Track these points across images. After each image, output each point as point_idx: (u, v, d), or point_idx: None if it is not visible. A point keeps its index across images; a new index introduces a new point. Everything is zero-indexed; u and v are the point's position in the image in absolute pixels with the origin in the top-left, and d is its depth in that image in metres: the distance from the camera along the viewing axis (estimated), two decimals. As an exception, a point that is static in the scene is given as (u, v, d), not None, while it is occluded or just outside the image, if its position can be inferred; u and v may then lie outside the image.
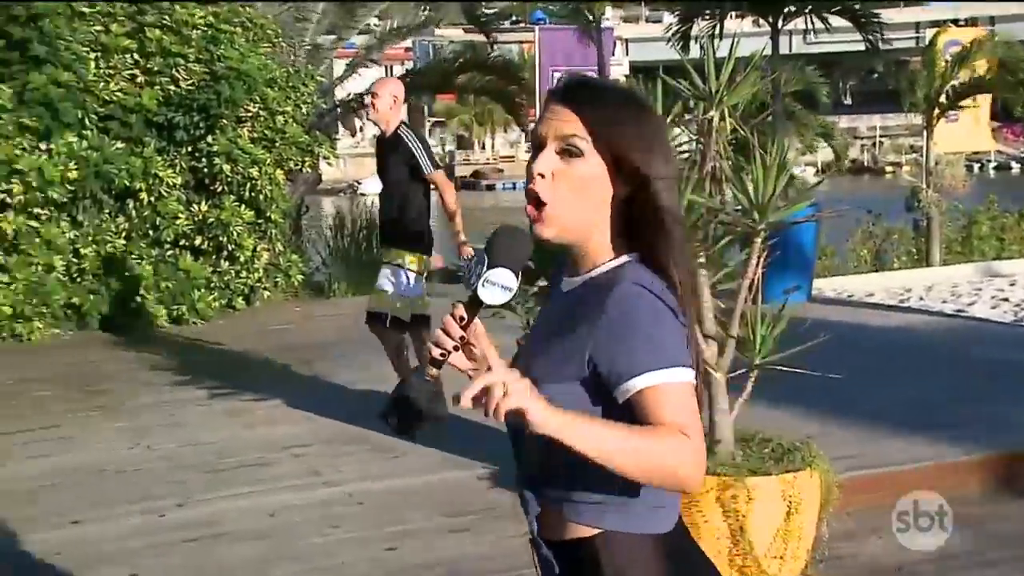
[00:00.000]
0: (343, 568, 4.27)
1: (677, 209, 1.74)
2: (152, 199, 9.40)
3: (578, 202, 1.70)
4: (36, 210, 8.84)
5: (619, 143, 1.68)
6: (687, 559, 1.76)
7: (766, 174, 3.76)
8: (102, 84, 9.35)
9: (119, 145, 9.24)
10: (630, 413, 1.62)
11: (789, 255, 6.68)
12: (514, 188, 38.81)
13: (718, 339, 3.91)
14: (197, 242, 9.59)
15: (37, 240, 8.82)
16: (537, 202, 1.70)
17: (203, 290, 9.52)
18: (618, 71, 32.19)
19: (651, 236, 1.69)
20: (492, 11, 18.28)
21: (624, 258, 1.72)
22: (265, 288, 10.19)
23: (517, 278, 1.65)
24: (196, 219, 9.60)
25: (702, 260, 3.84)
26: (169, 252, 9.53)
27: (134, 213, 9.45)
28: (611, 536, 1.71)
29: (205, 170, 9.63)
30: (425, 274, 5.92)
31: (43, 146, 8.88)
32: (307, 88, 10.82)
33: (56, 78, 8.85)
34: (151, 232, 9.51)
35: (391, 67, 30.77)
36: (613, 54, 26.78)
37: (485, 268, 1.65)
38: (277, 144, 10.13)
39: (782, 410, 5.21)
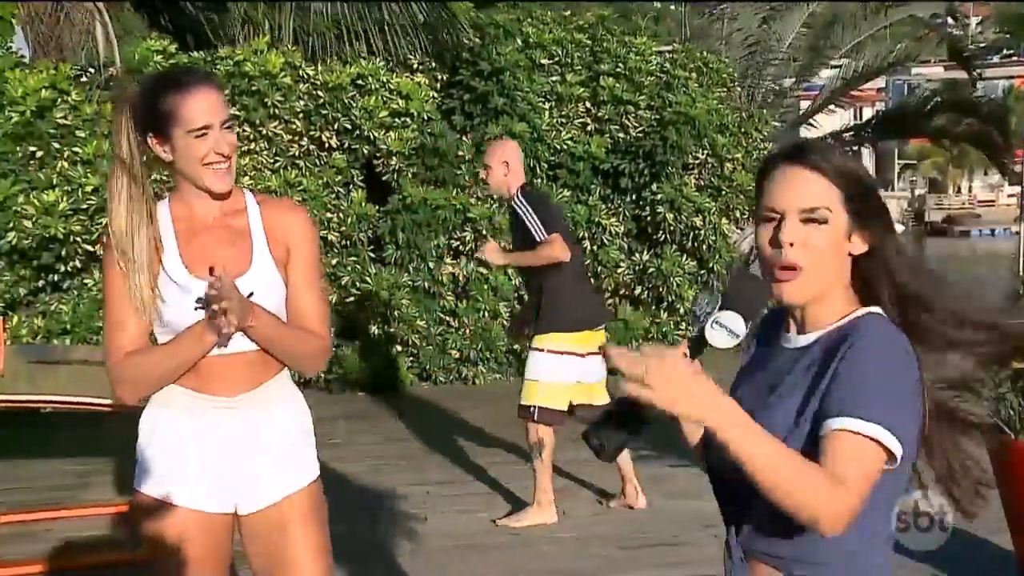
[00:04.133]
0: None
1: (914, 264, 1.75)
2: (595, 247, 9.36)
3: (827, 267, 1.72)
4: (486, 257, 9.11)
5: (861, 206, 1.71)
6: None
7: None
8: (554, 133, 9.48)
9: (566, 193, 9.30)
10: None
11: None
12: (992, 235, 35.53)
13: None
14: (636, 292, 9.41)
15: (485, 286, 9.09)
16: (791, 268, 1.70)
17: (641, 341, 9.31)
18: None
19: (890, 290, 1.72)
20: (981, 44, 16.67)
21: (864, 310, 1.73)
22: (705, 342, 9.79)
23: (747, 327, 1.63)
24: (636, 268, 9.43)
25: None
26: (609, 301, 9.44)
27: (577, 262, 9.47)
28: None
29: (648, 218, 9.44)
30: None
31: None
32: (760, 134, 10.33)
33: (510, 128, 9.09)
34: (592, 281, 9.47)
35: (860, 108, 29.29)
36: None
37: (717, 309, 1.63)
38: (724, 192, 9.73)
39: None
